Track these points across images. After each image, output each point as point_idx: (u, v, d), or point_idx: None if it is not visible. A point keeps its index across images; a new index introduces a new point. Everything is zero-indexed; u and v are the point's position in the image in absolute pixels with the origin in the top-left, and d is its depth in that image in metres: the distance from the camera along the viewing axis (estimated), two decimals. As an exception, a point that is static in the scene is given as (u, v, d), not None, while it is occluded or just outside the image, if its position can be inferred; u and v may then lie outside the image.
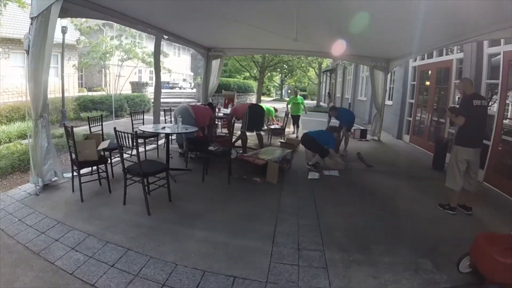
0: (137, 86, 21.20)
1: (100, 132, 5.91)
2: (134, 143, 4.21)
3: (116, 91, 18.99)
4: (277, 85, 43.71)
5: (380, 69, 10.51)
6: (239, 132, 7.89)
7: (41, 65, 4.54)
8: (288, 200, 5.08)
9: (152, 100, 19.68)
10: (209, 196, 5.12)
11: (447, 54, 8.86)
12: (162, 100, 19.54)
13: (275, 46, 10.50)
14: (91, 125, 5.95)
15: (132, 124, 7.07)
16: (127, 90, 20.89)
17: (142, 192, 4.36)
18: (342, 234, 3.96)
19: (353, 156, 8.22)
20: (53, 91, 15.08)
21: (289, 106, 11.81)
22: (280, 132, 9.81)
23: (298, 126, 11.65)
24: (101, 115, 6.71)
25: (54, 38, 4.75)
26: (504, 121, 6.15)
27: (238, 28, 7.29)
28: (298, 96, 11.86)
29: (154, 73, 8.11)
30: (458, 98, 7.74)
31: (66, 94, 15.99)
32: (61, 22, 12.45)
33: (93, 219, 4.07)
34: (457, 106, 5.04)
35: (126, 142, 4.26)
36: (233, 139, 7.92)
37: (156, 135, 6.89)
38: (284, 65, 19.32)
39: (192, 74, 36.80)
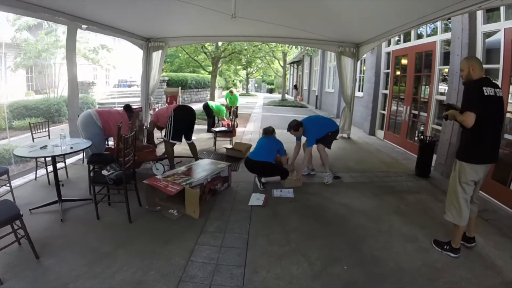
0: (82, 86, 18.73)
1: None
2: None
3: (56, 94, 16.77)
4: (243, 79, 41.79)
5: (348, 55, 8.91)
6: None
7: None
8: (206, 252, 3.26)
9: (98, 101, 17.85)
10: (94, 245, 3.35)
11: (428, 36, 7.36)
12: (116, 100, 18.02)
13: (222, 33, 8.77)
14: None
15: (33, 139, 5.17)
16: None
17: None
18: None
19: (317, 163, 6.03)
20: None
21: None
22: (228, 134, 7.97)
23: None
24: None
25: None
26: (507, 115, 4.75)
27: (177, 11, 5.89)
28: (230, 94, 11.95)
29: (67, 71, 6.22)
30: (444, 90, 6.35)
31: (12, 99, 14.29)
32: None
33: None
34: (451, 103, 3.54)
35: None
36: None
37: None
38: (241, 56, 17.06)
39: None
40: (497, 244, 3.46)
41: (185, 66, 20.36)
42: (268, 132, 5.47)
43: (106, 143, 6.19)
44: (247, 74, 39.14)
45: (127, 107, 5.64)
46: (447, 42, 6.48)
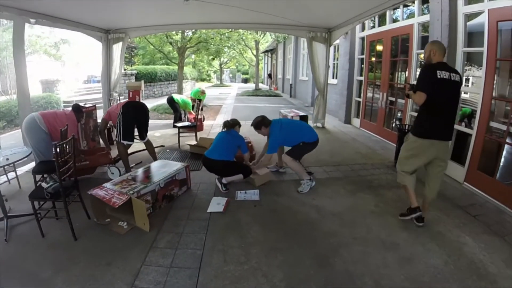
0: (47, 84, 17.52)
1: None
2: None
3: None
4: (217, 69, 40.71)
5: (320, 41, 8.44)
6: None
7: None
8: (152, 274, 2.73)
9: (64, 99, 16.76)
10: (34, 269, 2.84)
11: (405, 19, 6.92)
12: (85, 97, 16.95)
13: (184, 20, 8.22)
14: None
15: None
16: (38, 91, 17.27)
17: None
18: None
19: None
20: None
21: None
22: (193, 130, 7.36)
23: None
24: None
25: None
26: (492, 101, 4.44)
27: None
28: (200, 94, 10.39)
29: (15, 71, 5.69)
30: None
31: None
32: None
33: None
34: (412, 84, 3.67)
35: None
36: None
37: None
38: (208, 45, 16.17)
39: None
40: (487, 246, 3.10)
41: (152, 58, 19.51)
42: (228, 125, 4.74)
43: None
44: (220, 64, 38.11)
45: (75, 107, 4.97)
46: (425, 27, 6.10)
